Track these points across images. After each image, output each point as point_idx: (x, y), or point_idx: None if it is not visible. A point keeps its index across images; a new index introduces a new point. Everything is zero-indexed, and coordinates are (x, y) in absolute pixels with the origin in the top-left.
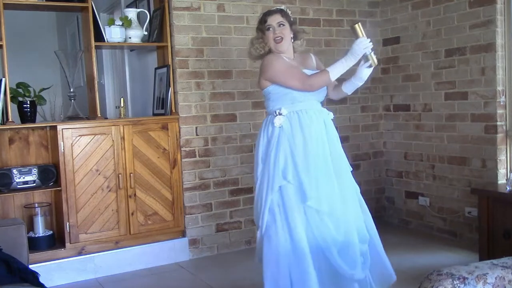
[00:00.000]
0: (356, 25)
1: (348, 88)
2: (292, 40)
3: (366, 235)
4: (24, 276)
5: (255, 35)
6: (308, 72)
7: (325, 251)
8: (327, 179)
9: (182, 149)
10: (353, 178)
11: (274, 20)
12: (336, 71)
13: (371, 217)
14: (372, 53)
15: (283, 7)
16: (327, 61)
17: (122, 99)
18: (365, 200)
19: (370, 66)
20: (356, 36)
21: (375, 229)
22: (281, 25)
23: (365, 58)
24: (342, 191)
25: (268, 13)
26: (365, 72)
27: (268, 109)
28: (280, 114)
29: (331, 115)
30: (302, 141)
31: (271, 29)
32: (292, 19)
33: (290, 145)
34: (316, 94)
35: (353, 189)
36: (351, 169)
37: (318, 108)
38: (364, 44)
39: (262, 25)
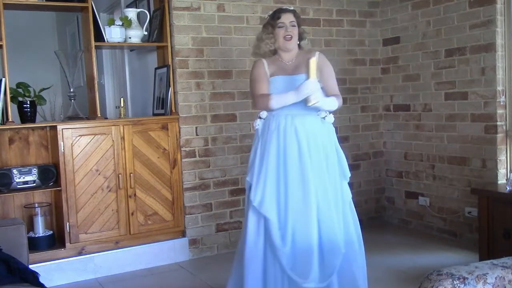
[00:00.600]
0: (311, 61)
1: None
2: (298, 41)
3: (339, 249)
4: (24, 276)
5: (264, 30)
6: (291, 78)
7: (275, 257)
8: (284, 185)
9: (182, 149)
10: (343, 186)
11: (288, 18)
12: (279, 101)
13: (359, 230)
14: (314, 96)
15: (292, 7)
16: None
17: (122, 99)
18: (364, 200)
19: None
20: (307, 73)
21: (359, 245)
22: (293, 25)
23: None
24: (304, 200)
25: (282, 11)
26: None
27: None
28: (260, 117)
29: (330, 118)
30: (264, 144)
31: (283, 27)
32: (300, 22)
33: (258, 147)
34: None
35: (332, 199)
36: (348, 175)
37: (296, 113)
38: (310, 87)
39: (274, 21)
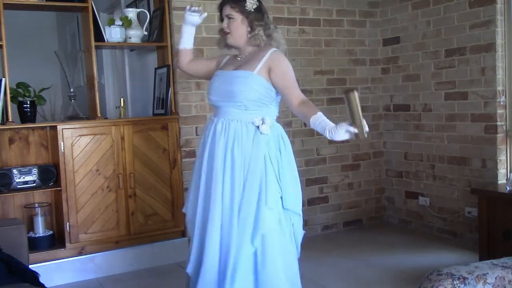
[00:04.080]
0: (351, 96)
1: (314, 125)
2: (249, 34)
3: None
4: (24, 276)
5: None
6: (229, 73)
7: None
8: (202, 193)
9: (182, 149)
10: (261, 215)
11: (224, 11)
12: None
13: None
14: (364, 123)
15: None
16: (327, 61)
17: (122, 99)
18: (365, 200)
19: (354, 137)
20: (350, 114)
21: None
22: (229, 18)
23: (351, 123)
24: (213, 218)
25: (221, 3)
26: (340, 136)
27: None
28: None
29: (265, 128)
30: (199, 151)
31: (224, 20)
32: (248, 8)
33: (197, 152)
34: (226, 97)
35: (238, 222)
36: (271, 202)
37: (234, 118)
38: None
39: (221, 16)
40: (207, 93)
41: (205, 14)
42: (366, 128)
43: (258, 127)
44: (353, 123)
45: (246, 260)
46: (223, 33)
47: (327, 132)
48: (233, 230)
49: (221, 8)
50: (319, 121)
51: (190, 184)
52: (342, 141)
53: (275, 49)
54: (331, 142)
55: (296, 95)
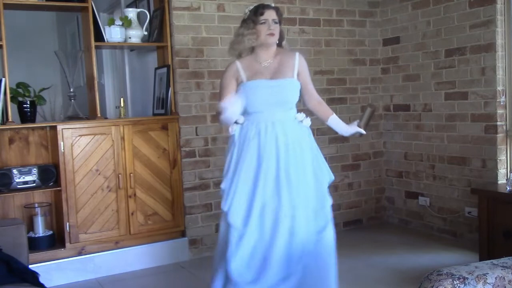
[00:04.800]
0: (369, 110)
1: (332, 124)
2: (278, 41)
3: (300, 254)
4: (24, 276)
5: (244, 26)
6: (271, 82)
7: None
8: (260, 196)
9: (182, 149)
10: (323, 190)
11: (270, 15)
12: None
13: (325, 239)
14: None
15: (273, 4)
16: (327, 61)
17: (122, 99)
18: (365, 200)
19: (359, 134)
20: (362, 120)
21: (330, 256)
22: (275, 22)
23: (360, 127)
24: (280, 208)
25: (265, 7)
26: (351, 132)
27: None
28: (236, 122)
29: (307, 121)
30: (240, 152)
31: (266, 23)
32: (282, 20)
33: (233, 154)
34: (277, 104)
35: (309, 204)
36: (331, 179)
37: (276, 119)
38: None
39: (257, 17)
40: (248, 102)
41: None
42: (363, 132)
43: (302, 121)
44: (360, 123)
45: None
46: (270, 34)
47: (343, 132)
48: (307, 214)
49: (261, 11)
50: (335, 124)
51: (231, 182)
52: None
53: (298, 52)
54: (331, 142)
55: (315, 94)
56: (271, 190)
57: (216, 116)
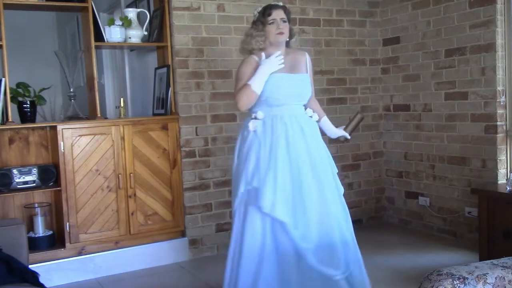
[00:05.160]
0: (358, 117)
1: (322, 125)
2: (288, 39)
3: (346, 238)
4: (24, 276)
5: (254, 27)
6: (292, 76)
7: (297, 255)
8: (298, 187)
9: (182, 149)
10: (337, 180)
11: (278, 15)
12: (256, 82)
13: (351, 223)
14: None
15: (281, 3)
16: (327, 61)
17: (122, 99)
18: (365, 200)
19: (344, 139)
20: (349, 126)
21: (353, 235)
22: (284, 21)
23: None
24: (321, 196)
25: (273, 7)
26: (337, 135)
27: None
28: (255, 118)
29: (315, 116)
30: (269, 148)
31: (274, 23)
32: (290, 18)
33: (260, 151)
34: (298, 97)
35: (335, 192)
36: (337, 170)
37: (297, 113)
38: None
39: (265, 18)
40: (272, 94)
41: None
42: (348, 137)
43: (311, 116)
44: (346, 129)
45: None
46: (279, 33)
47: (331, 134)
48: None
49: (269, 12)
50: (325, 126)
51: (266, 179)
52: (334, 139)
53: (306, 52)
54: (332, 142)
55: (313, 94)
56: (310, 186)
57: (240, 97)
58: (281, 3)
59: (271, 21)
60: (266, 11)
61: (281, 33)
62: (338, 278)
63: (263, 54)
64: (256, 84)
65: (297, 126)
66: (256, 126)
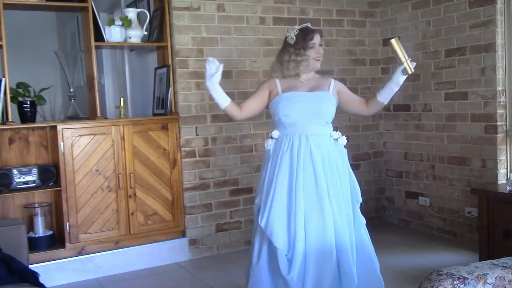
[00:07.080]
0: (393, 41)
1: (384, 96)
2: None
3: (353, 277)
4: (24, 276)
5: (292, 51)
6: (308, 94)
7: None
8: (295, 207)
9: (182, 149)
10: (357, 211)
11: (318, 39)
12: (215, 97)
13: (369, 254)
14: (409, 61)
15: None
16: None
17: (122, 99)
18: (365, 200)
19: (406, 73)
20: (398, 57)
21: (376, 267)
22: (321, 45)
23: (400, 63)
24: (325, 220)
25: (313, 31)
26: (400, 78)
27: None
28: (271, 137)
29: (343, 140)
30: (273, 166)
31: (314, 47)
32: None
33: (268, 170)
34: (314, 116)
35: (344, 220)
36: (360, 199)
37: (313, 132)
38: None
39: (306, 43)
40: (284, 113)
41: (222, 65)
42: (413, 64)
43: (337, 139)
44: (400, 62)
45: (353, 250)
46: (315, 59)
47: (394, 85)
48: (344, 224)
49: (311, 36)
50: (384, 91)
51: (266, 197)
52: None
53: (332, 78)
54: None
55: (359, 99)
56: (312, 205)
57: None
58: (317, 27)
59: (311, 45)
60: (308, 35)
61: (318, 59)
62: None
63: (277, 80)
64: (217, 100)
65: (305, 145)
66: (270, 145)
